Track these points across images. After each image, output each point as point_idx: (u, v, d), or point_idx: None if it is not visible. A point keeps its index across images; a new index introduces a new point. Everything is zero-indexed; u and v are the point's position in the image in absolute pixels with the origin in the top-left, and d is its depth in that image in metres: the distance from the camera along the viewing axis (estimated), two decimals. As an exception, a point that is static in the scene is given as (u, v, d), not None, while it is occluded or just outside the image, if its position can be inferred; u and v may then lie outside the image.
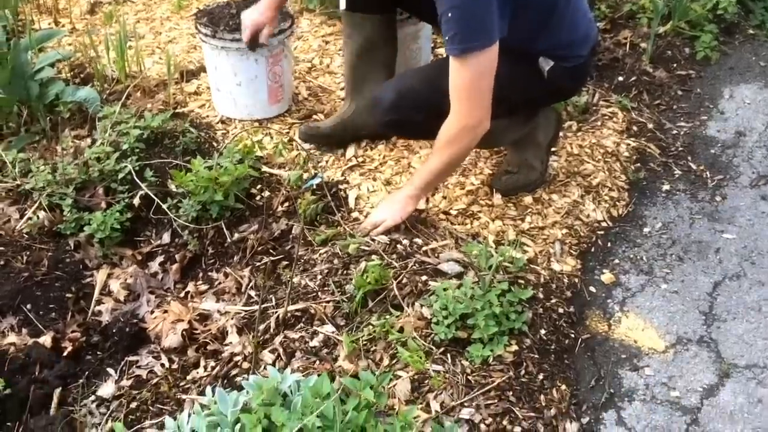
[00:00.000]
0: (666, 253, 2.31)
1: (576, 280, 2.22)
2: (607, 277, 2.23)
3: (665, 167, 2.72)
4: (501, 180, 2.49)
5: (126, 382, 2.07)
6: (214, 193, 2.40)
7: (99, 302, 2.37)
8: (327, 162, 2.72)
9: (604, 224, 2.44)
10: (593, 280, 2.23)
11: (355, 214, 2.49)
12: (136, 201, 2.53)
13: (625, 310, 2.12)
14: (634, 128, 2.92)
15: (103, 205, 2.57)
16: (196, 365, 2.11)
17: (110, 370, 2.12)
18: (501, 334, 1.89)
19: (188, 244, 2.47)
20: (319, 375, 1.86)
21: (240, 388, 1.92)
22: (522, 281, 2.11)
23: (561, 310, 2.08)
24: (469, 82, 1.97)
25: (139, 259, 2.50)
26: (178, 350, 2.17)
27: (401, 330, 1.97)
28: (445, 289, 1.98)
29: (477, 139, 2.07)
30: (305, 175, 2.60)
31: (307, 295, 2.17)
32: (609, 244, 2.36)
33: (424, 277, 2.11)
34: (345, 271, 2.21)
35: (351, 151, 2.74)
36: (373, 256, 2.21)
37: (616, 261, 2.30)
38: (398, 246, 2.25)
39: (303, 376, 1.85)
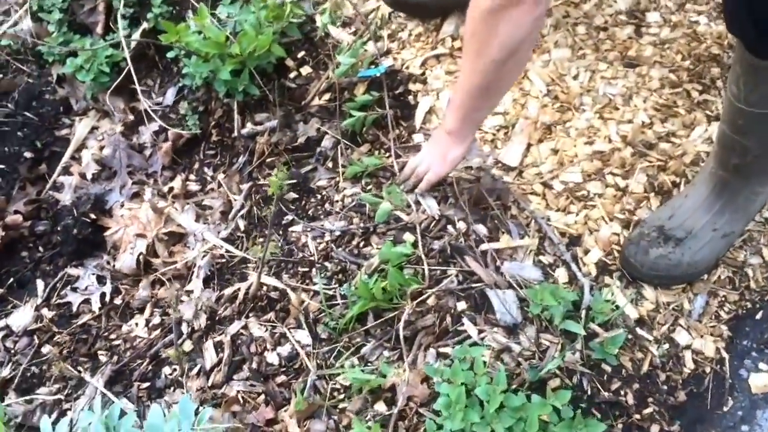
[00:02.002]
0: None
1: (707, 369, 1.37)
2: (759, 380, 1.36)
3: None
4: (647, 252, 1.38)
5: (48, 313, 1.59)
6: (222, 64, 1.65)
7: (66, 170, 1.82)
8: (408, 35, 1.82)
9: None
10: (735, 378, 1.37)
11: (418, 138, 1.67)
12: (137, 36, 1.83)
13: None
14: None
15: (99, 30, 1.90)
16: (142, 310, 1.58)
17: (39, 284, 1.64)
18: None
19: (186, 118, 1.79)
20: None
21: (155, 394, 1.40)
22: (607, 368, 1.30)
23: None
24: None
25: (131, 119, 1.87)
26: (130, 278, 1.64)
27: (391, 390, 1.29)
28: (468, 370, 1.22)
29: (517, 32, 1.14)
30: (370, 48, 1.75)
31: (297, 267, 1.50)
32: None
33: (461, 306, 1.36)
34: (362, 243, 1.49)
35: (449, 26, 1.80)
36: (406, 236, 1.45)
37: (791, 349, 1.39)
38: (448, 229, 1.46)
39: (234, 418, 1.29)
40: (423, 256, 1.41)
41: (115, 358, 1.48)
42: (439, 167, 1.46)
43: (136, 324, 1.55)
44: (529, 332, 1.31)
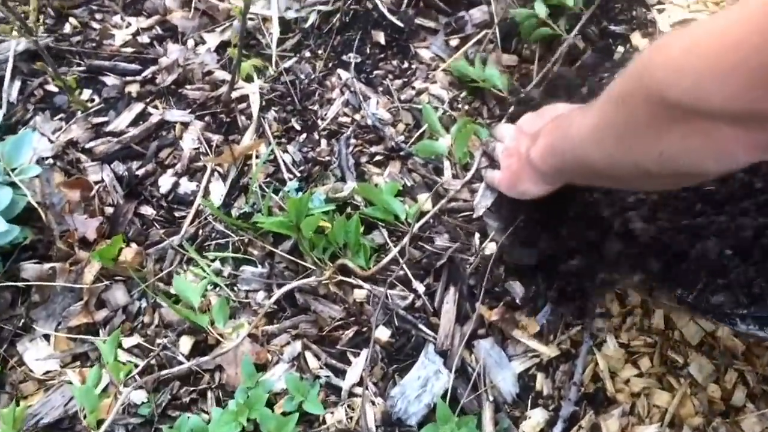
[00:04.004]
0: None
1: None
2: None
3: None
4: None
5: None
6: None
7: None
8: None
9: None
10: None
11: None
12: None
13: None
14: None
15: None
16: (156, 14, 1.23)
17: None
18: None
19: None
20: None
21: (46, 105, 1.11)
22: None
23: None
24: None
25: None
26: None
27: (215, 342, 0.90)
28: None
29: (711, 164, 0.52)
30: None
31: (296, 115, 1.07)
32: None
33: (381, 334, 0.89)
34: (378, 158, 1.03)
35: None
36: (422, 197, 0.97)
37: None
38: (472, 239, 0.94)
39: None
40: (407, 241, 0.91)
41: (86, 46, 1.17)
42: (503, 182, 0.91)
43: (129, 25, 1.21)
44: (403, 448, 0.83)
